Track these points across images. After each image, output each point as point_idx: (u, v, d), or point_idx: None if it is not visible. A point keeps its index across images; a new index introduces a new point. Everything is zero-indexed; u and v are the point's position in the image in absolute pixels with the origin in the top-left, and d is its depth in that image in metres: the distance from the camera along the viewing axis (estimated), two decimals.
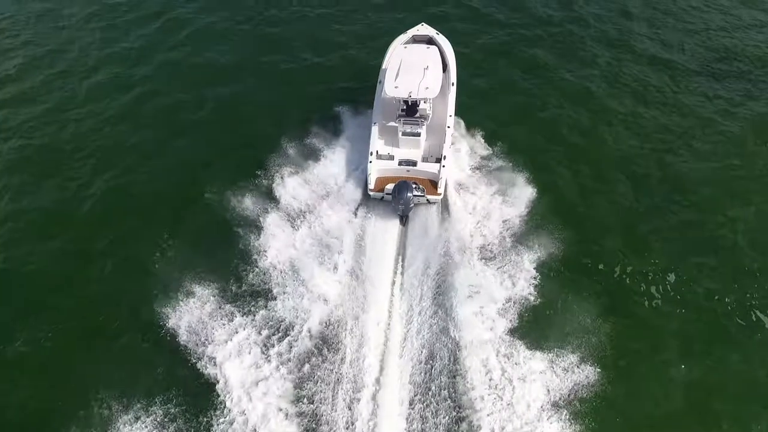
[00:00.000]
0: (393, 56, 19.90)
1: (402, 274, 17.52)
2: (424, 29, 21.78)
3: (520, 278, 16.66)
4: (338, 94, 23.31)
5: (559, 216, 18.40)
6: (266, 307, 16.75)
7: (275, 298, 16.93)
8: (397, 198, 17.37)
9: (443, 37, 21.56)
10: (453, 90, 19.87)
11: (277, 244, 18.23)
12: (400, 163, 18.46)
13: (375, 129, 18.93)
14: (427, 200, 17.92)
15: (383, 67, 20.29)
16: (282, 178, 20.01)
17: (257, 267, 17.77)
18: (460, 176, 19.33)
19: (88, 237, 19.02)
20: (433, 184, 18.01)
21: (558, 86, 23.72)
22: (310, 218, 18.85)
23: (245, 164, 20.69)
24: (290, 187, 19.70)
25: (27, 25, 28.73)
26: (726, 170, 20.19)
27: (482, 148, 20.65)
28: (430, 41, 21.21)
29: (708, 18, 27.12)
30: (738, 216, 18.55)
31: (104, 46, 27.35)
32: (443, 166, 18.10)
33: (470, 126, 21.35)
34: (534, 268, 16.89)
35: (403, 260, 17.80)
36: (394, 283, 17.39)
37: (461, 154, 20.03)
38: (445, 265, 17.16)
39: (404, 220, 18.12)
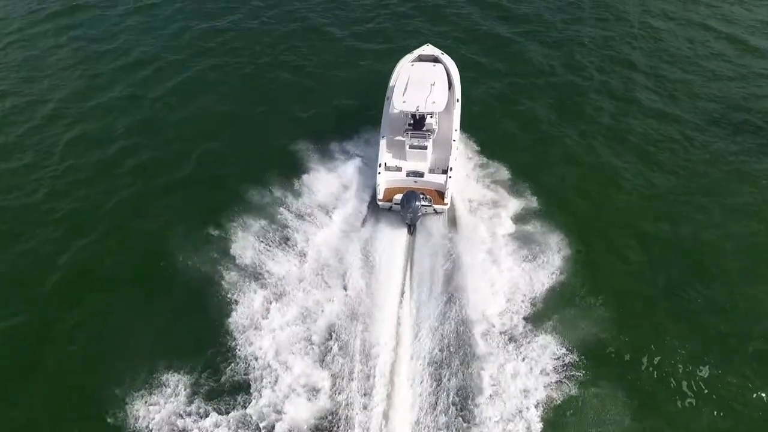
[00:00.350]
0: (401, 73, 20.05)
1: (411, 335, 15.53)
2: (429, 49, 21.95)
3: (544, 371, 14.50)
4: (328, 150, 21.12)
5: (573, 295, 16.19)
6: (244, 405, 14.37)
7: (255, 393, 14.59)
8: (406, 207, 17.26)
9: (448, 56, 21.74)
10: (458, 106, 19.99)
11: (260, 324, 15.98)
12: (407, 175, 18.51)
13: (383, 142, 19.00)
14: (434, 210, 17.84)
15: (391, 84, 20.32)
16: (267, 247, 17.88)
17: (236, 353, 15.45)
18: (492, 245, 17.28)
19: (49, 317, 16.66)
20: (440, 194, 18.02)
21: (561, 143, 21.63)
22: (297, 295, 16.67)
23: (228, 230, 18.49)
24: (276, 258, 17.58)
25: (7, 73, 26.73)
26: (748, 239, 17.97)
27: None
28: (435, 60, 21.36)
29: (715, 67, 25.22)
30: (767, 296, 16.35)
31: (87, 97, 25.28)
32: (450, 177, 18.10)
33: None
34: (555, 359, 14.71)
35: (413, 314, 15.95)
36: (394, 363, 15.04)
37: (503, 217, 18.08)
38: (467, 350, 15.04)
39: (412, 229, 17.81)
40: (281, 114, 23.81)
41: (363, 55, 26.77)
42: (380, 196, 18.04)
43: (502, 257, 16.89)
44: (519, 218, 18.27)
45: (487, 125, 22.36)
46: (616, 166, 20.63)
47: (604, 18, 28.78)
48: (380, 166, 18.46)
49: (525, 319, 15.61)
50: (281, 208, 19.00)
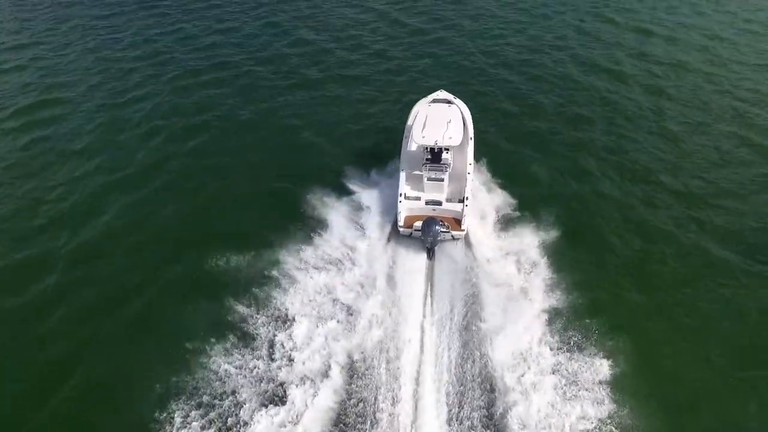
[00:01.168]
0: (419, 112, 20.84)
1: None
2: (443, 94, 22.57)
3: None
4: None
5: None
6: None
7: None
8: (426, 231, 17.49)
9: (460, 100, 22.29)
10: (471, 143, 20.57)
11: None
12: (426, 203, 19.01)
13: (403, 175, 19.52)
14: (452, 236, 18.01)
15: (409, 123, 20.96)
16: None
17: None
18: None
19: None
20: (456, 221, 18.39)
21: (586, 291, 16.64)
22: None
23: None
24: None
25: None
26: None
27: None
28: (449, 102, 21.95)
29: (755, 184, 21.06)
30: None
31: (33, 215, 20.99)
32: (466, 206, 18.48)
33: None
34: None
35: None
36: None
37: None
38: None
39: (431, 253, 17.79)
40: (258, 235, 19.35)
41: (349, 164, 22.57)
42: (401, 222, 18.35)
43: None
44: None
45: None
46: (657, 322, 15.90)
47: (615, 122, 25.03)
48: (401, 195, 18.91)
49: None
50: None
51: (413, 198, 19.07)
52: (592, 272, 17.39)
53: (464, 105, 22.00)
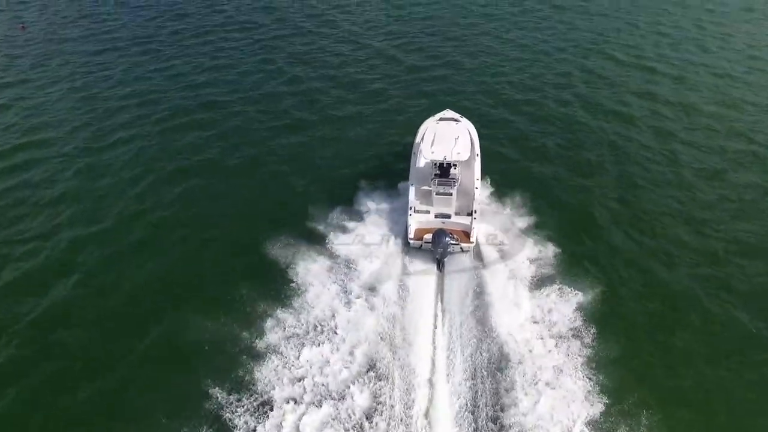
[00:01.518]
0: (427, 131, 20.84)
1: None
2: (449, 113, 22.82)
3: None
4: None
5: None
6: None
7: None
8: (436, 243, 17.52)
9: (466, 119, 22.47)
10: (478, 159, 20.62)
11: None
12: (436, 216, 19.11)
13: (412, 189, 19.58)
14: (461, 248, 18.06)
15: (417, 140, 21.25)
16: None
17: None
18: None
19: None
20: (465, 234, 18.49)
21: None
22: None
23: None
24: None
25: None
26: None
27: None
28: (456, 121, 22.03)
29: None
30: None
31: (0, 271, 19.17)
32: (474, 219, 18.55)
33: None
34: None
35: None
36: None
37: None
38: None
39: (441, 265, 17.71)
40: (242, 299, 17.39)
41: (339, 216, 20.52)
42: (411, 235, 18.43)
43: None
44: None
45: None
46: (692, 410, 13.90)
47: (626, 168, 23.20)
48: (411, 209, 19.00)
49: None
50: None
51: (423, 211, 19.21)
52: (619, 346, 15.48)
53: (470, 123, 22.30)
